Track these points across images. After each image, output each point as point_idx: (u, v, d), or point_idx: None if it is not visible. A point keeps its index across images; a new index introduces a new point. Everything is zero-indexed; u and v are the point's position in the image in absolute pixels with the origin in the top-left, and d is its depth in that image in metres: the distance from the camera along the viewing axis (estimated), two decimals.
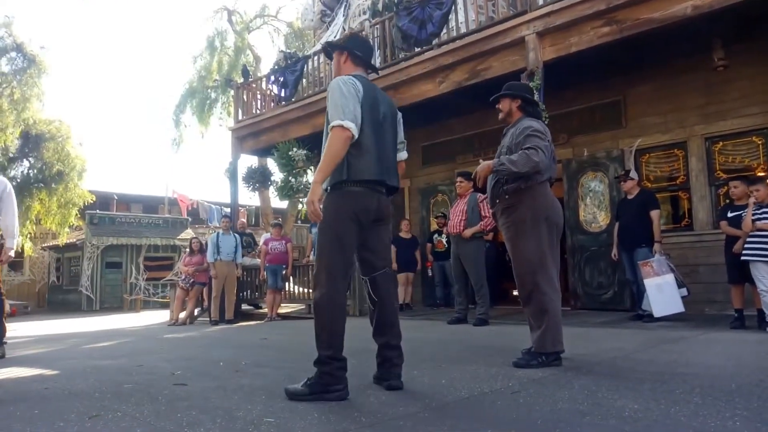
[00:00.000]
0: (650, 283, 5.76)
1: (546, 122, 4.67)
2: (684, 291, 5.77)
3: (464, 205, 6.53)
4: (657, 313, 5.69)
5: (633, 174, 6.47)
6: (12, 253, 4.74)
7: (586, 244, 7.78)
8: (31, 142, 17.47)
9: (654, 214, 6.06)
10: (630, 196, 6.35)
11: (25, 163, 17.88)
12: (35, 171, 17.67)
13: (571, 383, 2.85)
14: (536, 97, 5.67)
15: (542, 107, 5.67)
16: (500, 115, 3.83)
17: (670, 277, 5.72)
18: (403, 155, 3.13)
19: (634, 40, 6.07)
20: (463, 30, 7.45)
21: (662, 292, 5.70)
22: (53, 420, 2.41)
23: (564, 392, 2.65)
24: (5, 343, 4.74)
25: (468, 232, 6.36)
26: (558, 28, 6.35)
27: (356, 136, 2.71)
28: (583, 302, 7.65)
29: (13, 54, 17.48)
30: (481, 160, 3.72)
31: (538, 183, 3.52)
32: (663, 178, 7.53)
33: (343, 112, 2.70)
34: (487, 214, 6.15)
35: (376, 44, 8.64)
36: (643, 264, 5.88)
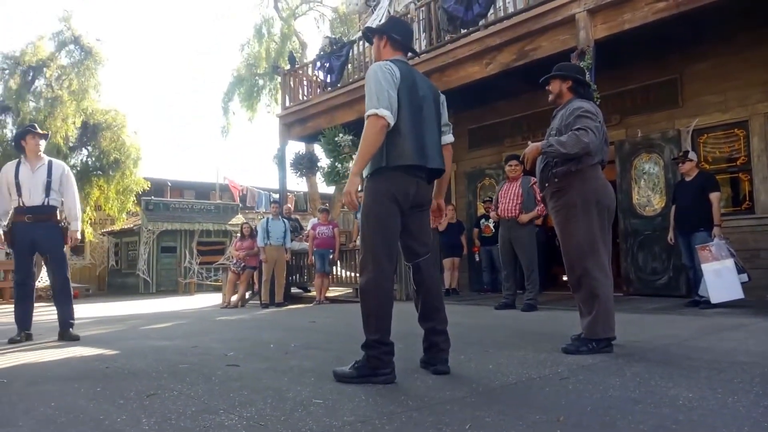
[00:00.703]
0: (708, 269, 5.55)
1: (598, 103, 4.54)
2: (744, 276, 5.53)
3: (518, 189, 6.43)
4: (715, 300, 5.49)
5: (692, 155, 6.22)
6: (78, 235, 4.95)
7: (640, 228, 7.55)
8: (89, 131, 18.16)
9: (714, 196, 5.82)
10: (688, 178, 6.11)
11: (84, 151, 18.62)
12: (93, 159, 18.39)
13: (622, 370, 2.79)
14: (587, 77, 5.51)
15: (594, 88, 5.50)
16: (550, 97, 3.74)
17: (729, 262, 5.49)
18: (448, 138, 3.08)
19: (691, 16, 5.79)
20: (510, 9, 7.28)
21: (721, 277, 5.49)
22: (114, 398, 2.52)
23: (615, 379, 2.59)
24: (73, 324, 4.97)
25: (525, 218, 6.27)
26: (610, 5, 6.12)
27: (392, 123, 2.69)
28: (636, 288, 7.45)
29: (72, 47, 18.18)
30: (529, 143, 3.64)
31: (589, 166, 3.42)
32: (722, 159, 7.21)
33: (378, 100, 2.68)
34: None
35: (421, 27, 8.56)
36: (701, 248, 5.67)
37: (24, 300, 4.87)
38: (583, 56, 5.96)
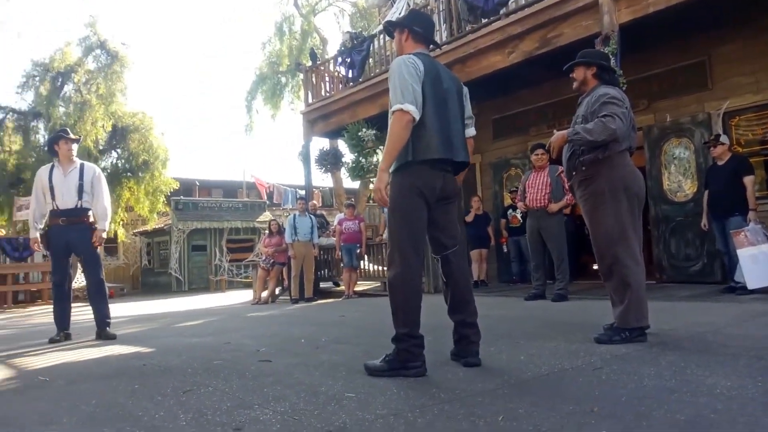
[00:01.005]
0: (744, 254, 5.42)
1: (624, 89, 4.46)
2: None
3: (546, 178, 6.36)
4: (751, 285, 5.35)
5: (723, 138, 6.06)
6: (104, 235, 5.06)
7: (671, 214, 7.41)
8: (118, 134, 18.55)
9: (748, 180, 5.67)
10: (720, 162, 5.97)
11: (114, 154, 19.04)
12: (123, 161, 18.78)
13: (657, 359, 2.75)
14: (612, 62, 5.40)
15: (619, 73, 5.40)
16: (574, 85, 3.69)
17: (766, 247, 5.35)
18: (471, 131, 3.07)
19: None
20: None
21: (757, 262, 5.35)
22: (152, 394, 2.58)
23: (649, 369, 2.56)
24: (109, 323, 5.10)
25: (554, 207, 6.22)
26: None
27: (417, 118, 2.69)
28: (669, 275, 7.32)
29: (98, 51, 18.57)
30: (555, 131, 3.60)
31: (617, 152, 3.37)
32: (755, 141, 7.01)
33: (403, 95, 2.68)
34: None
35: (441, 18, 8.49)
36: (735, 233, 5.53)
37: (62, 300, 5.00)
38: (608, 42, 5.86)
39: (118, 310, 8.85)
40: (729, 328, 3.65)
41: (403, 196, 2.76)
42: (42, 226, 4.97)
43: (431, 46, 3.11)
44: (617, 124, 3.24)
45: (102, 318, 5.01)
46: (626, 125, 3.34)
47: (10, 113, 18.18)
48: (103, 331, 4.96)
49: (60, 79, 18.15)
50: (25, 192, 16.75)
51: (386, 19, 8.63)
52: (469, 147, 3.05)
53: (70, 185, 4.93)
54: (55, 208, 4.91)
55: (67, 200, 4.90)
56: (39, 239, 4.97)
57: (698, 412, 1.89)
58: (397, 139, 2.67)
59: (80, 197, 4.94)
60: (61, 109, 17.85)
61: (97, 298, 5.05)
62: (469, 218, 8.96)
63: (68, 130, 5.31)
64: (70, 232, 4.89)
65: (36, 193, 5.03)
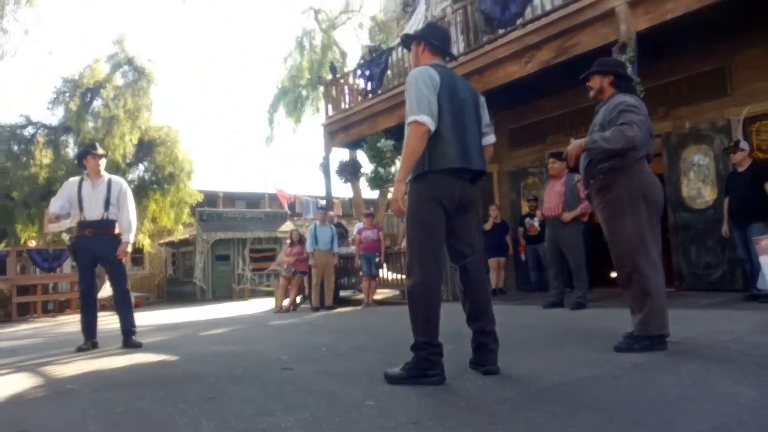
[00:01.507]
0: (766, 261, 5.34)
1: (642, 96, 4.45)
2: None
3: (561, 187, 6.35)
4: None
5: (743, 144, 6.00)
6: (128, 248, 5.18)
7: (691, 221, 7.32)
8: (145, 147, 18.91)
9: None
10: (741, 169, 5.91)
11: (141, 167, 19.40)
12: (149, 174, 19.13)
13: (677, 368, 2.73)
14: (629, 70, 5.41)
15: (637, 81, 5.39)
16: (591, 93, 3.70)
17: None
18: (490, 139, 3.11)
19: (738, 1, 5.60)
20: (548, 7, 7.20)
21: None
22: (176, 401, 2.64)
23: (670, 377, 2.54)
24: (135, 332, 5.21)
25: (568, 216, 6.20)
26: None
27: (432, 129, 2.73)
28: (689, 283, 7.23)
29: (126, 68, 18.98)
30: (572, 140, 3.61)
31: (635, 160, 3.37)
32: None
33: (418, 107, 2.73)
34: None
35: (458, 29, 8.55)
36: (757, 240, 5.45)
37: (88, 309, 5.12)
38: (625, 49, 5.85)
39: (143, 318, 9.00)
40: (752, 336, 3.60)
41: (421, 205, 2.80)
42: (57, 211, 5.06)
43: (447, 57, 3.17)
44: (634, 132, 3.25)
45: (127, 327, 5.12)
46: (644, 133, 3.34)
47: (41, 128, 18.64)
48: (129, 340, 5.07)
49: (89, 95, 18.58)
50: None
51: (403, 32, 8.70)
52: (488, 154, 3.09)
53: (98, 198, 5.07)
54: (83, 219, 5.05)
55: (94, 212, 5.04)
56: (57, 215, 5.00)
57: (723, 422, 1.87)
58: (413, 150, 2.72)
59: (106, 209, 5.08)
60: (90, 124, 18.24)
61: (123, 307, 5.17)
62: (488, 226, 8.97)
63: (96, 145, 5.45)
64: (97, 242, 5.02)
65: (61, 193, 5.15)
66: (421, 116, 2.71)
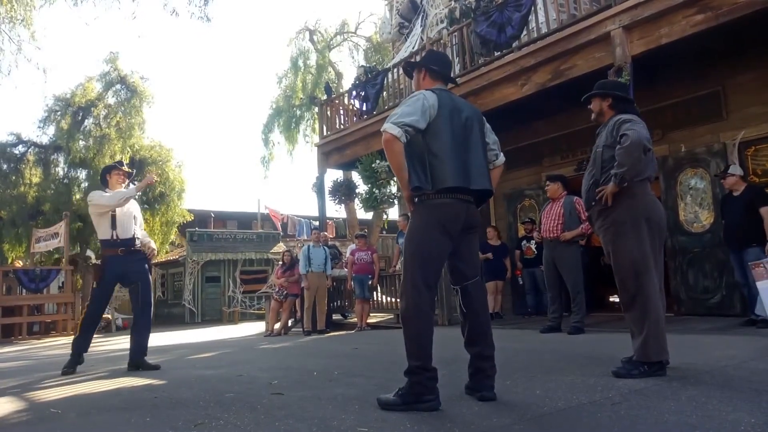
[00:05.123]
0: (763, 286, 5.30)
1: None
2: None
3: (560, 208, 6.35)
4: None
5: (733, 169, 6.01)
6: (156, 252, 5.06)
7: (688, 245, 7.31)
8: (135, 166, 18.77)
9: (765, 210, 5.57)
10: (736, 193, 5.91)
11: (131, 186, 19.31)
12: (140, 193, 19.02)
13: (677, 394, 2.68)
14: None
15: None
16: (592, 116, 3.76)
17: None
18: (500, 159, 3.12)
19: (732, 27, 5.67)
20: (544, 30, 7.27)
21: None
22: (163, 427, 2.56)
23: (670, 404, 2.50)
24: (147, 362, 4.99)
25: (568, 235, 6.17)
26: (646, 20, 6.05)
27: (401, 137, 2.71)
28: (687, 308, 7.18)
29: (118, 86, 19.03)
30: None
31: (637, 182, 3.37)
32: None
33: (392, 116, 2.76)
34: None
35: (454, 52, 8.61)
36: (754, 265, 5.43)
37: (91, 331, 5.00)
38: (620, 73, 5.89)
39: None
40: (752, 362, 3.56)
41: (422, 229, 2.79)
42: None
43: (448, 83, 3.18)
44: (633, 134, 3.26)
45: (145, 349, 4.97)
46: (645, 130, 3.36)
47: (32, 147, 18.60)
48: (143, 361, 4.88)
49: (80, 114, 18.58)
50: (44, 224, 17.00)
51: (400, 55, 8.76)
52: (498, 174, 3.11)
53: (129, 216, 5.01)
54: (115, 238, 4.90)
55: (126, 231, 4.96)
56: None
57: None
58: (394, 164, 2.76)
59: (134, 226, 5.03)
60: (81, 143, 18.22)
61: (144, 328, 5.01)
62: (490, 249, 8.87)
63: (123, 162, 5.39)
64: (128, 261, 4.92)
65: (107, 191, 5.06)
66: (386, 124, 2.73)
